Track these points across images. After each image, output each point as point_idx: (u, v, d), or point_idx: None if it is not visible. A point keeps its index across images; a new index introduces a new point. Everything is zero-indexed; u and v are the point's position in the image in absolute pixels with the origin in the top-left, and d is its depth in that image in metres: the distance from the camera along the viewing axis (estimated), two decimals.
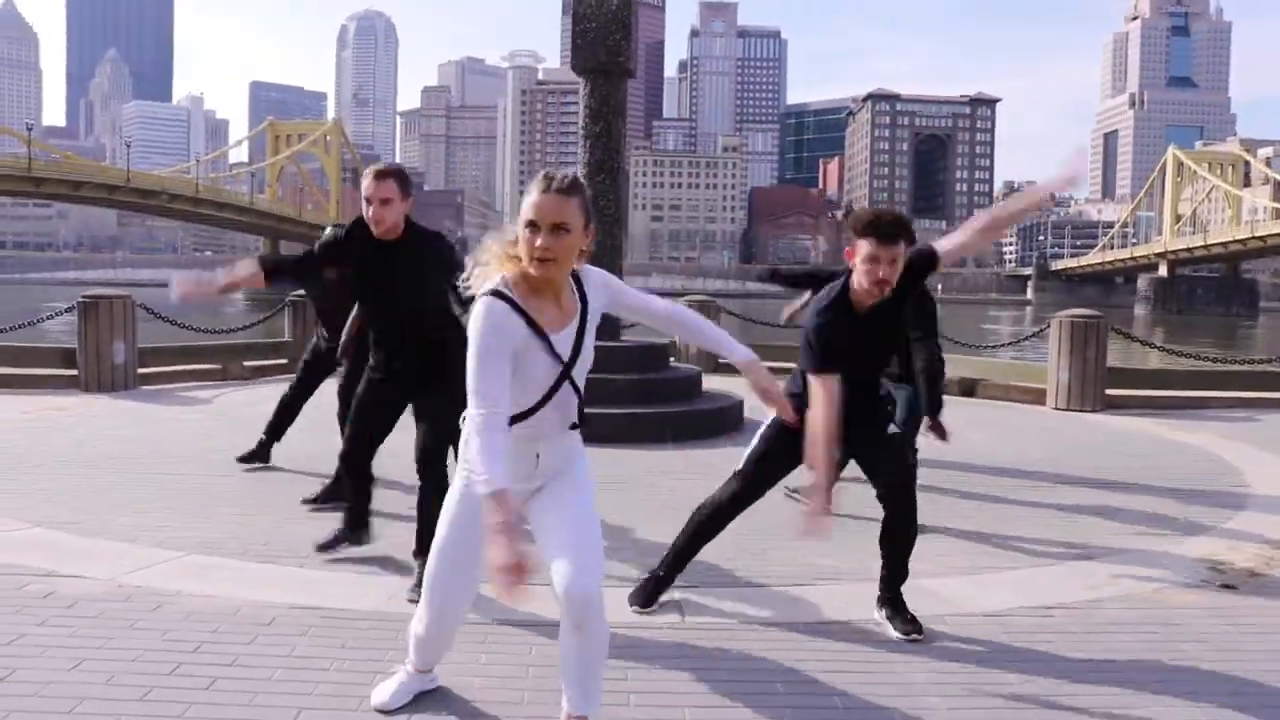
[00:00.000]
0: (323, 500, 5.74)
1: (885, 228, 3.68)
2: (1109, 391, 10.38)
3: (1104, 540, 5.31)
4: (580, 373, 2.83)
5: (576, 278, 2.83)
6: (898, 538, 3.97)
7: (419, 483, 4.36)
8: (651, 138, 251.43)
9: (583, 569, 2.67)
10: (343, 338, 5.85)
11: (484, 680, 3.37)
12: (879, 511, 3.98)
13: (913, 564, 4.04)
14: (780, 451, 4.02)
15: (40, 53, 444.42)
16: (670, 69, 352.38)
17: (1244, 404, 10.60)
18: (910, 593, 4.02)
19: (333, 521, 4.86)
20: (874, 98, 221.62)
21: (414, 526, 4.37)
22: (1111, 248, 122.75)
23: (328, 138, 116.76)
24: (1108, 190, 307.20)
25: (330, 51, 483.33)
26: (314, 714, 3.10)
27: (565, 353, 2.76)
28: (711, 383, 9.66)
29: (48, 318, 12.37)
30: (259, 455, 6.82)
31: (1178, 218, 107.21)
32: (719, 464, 7.16)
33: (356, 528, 4.75)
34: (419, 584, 4.15)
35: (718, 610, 4.15)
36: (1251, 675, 3.57)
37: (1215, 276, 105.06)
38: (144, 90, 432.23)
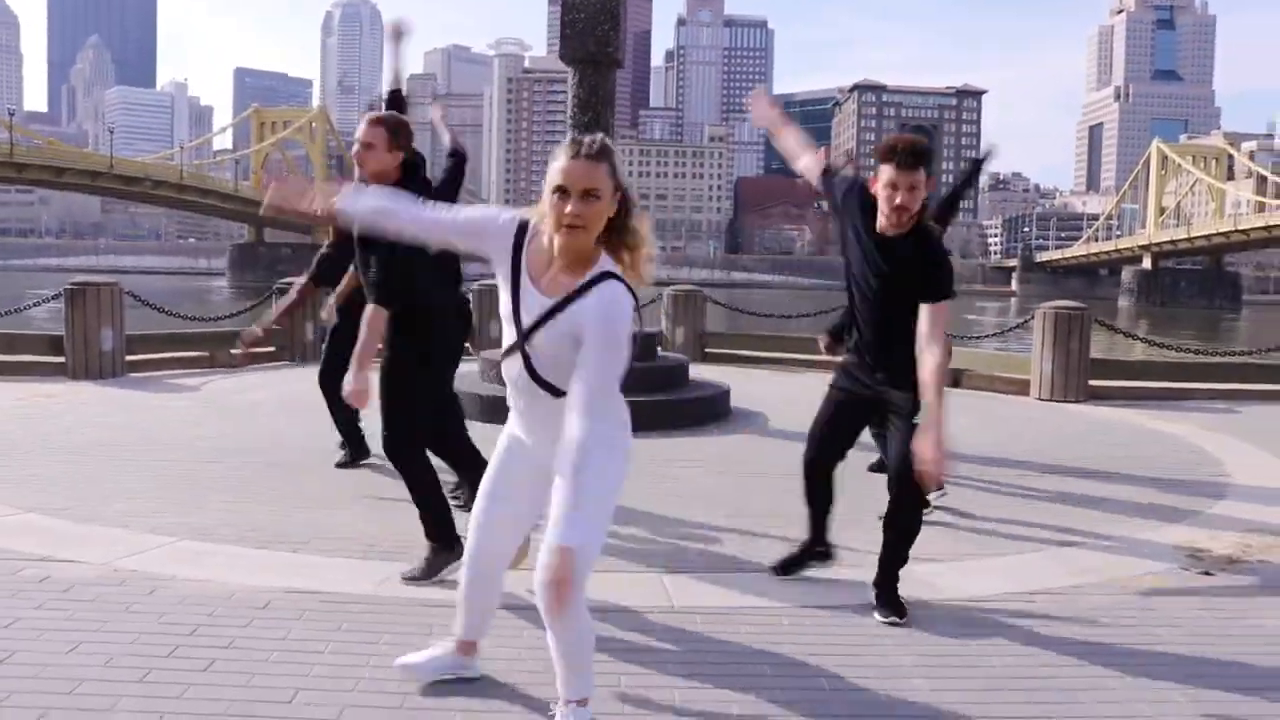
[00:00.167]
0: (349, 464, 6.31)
1: (904, 154, 3.70)
2: (1092, 382, 10.48)
3: (1086, 528, 5.40)
4: (540, 359, 2.70)
5: (599, 279, 2.61)
6: (897, 523, 4.04)
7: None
8: (638, 127, 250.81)
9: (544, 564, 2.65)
10: (332, 299, 5.96)
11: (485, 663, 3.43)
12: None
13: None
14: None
15: (21, 38, 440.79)
16: (657, 58, 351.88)
17: (1225, 395, 10.72)
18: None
19: (342, 503, 4.89)
20: (860, 88, 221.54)
21: (406, 510, 4.41)
22: (1096, 240, 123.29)
23: (313, 125, 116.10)
24: (1093, 183, 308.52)
25: (315, 38, 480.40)
26: (311, 694, 3.15)
27: (527, 315, 2.68)
28: (699, 372, 9.72)
29: (33, 305, 12.33)
30: (357, 454, 6.49)
31: (1162, 211, 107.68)
32: (708, 452, 7.26)
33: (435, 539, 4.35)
34: (428, 570, 4.20)
35: (707, 593, 4.21)
36: (1226, 658, 3.66)
37: (1198, 269, 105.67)
38: (127, 76, 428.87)
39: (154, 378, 10.44)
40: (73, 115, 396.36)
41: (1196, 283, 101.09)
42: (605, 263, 2.65)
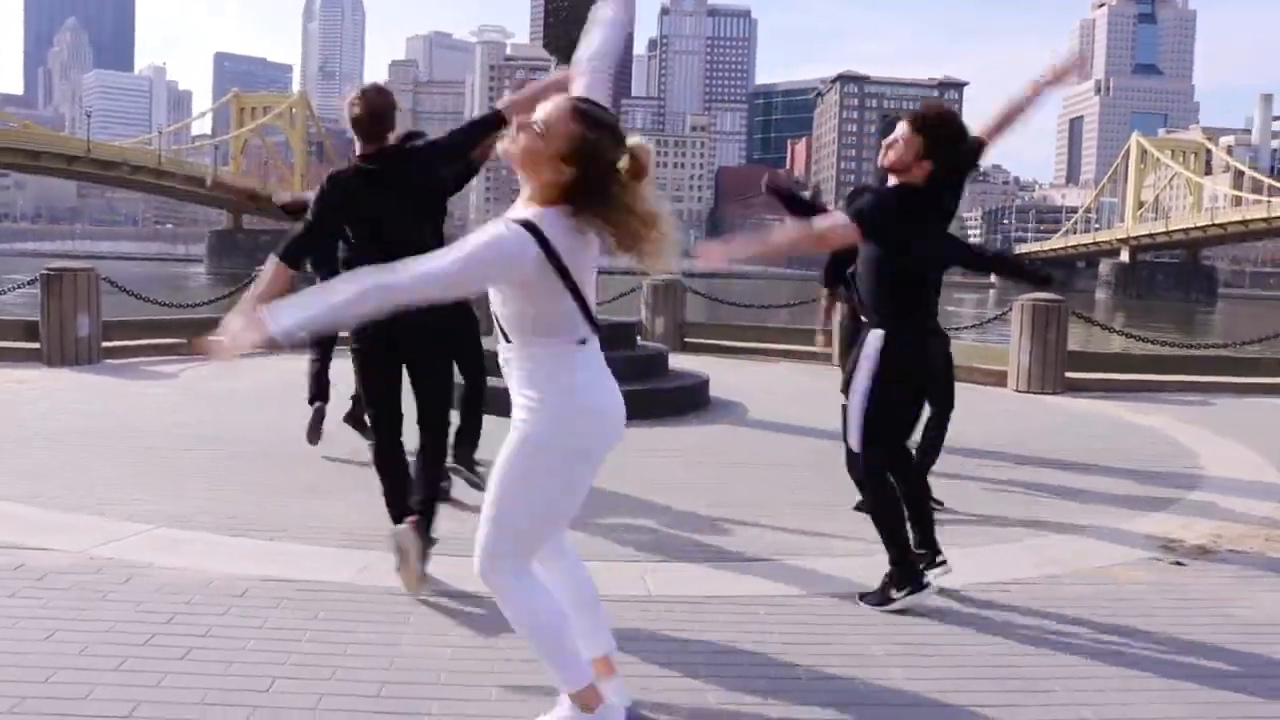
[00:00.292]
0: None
1: (891, 119, 3.98)
2: (1069, 374, 10.55)
3: (1061, 518, 5.45)
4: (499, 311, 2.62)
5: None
6: (865, 508, 4.06)
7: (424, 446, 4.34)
8: (620, 116, 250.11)
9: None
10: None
11: (454, 651, 3.44)
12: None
13: (874, 541, 4.12)
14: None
15: None
16: (640, 47, 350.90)
17: (1200, 388, 10.80)
18: (875, 569, 4.11)
19: (348, 486, 4.87)
20: (843, 79, 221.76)
21: (379, 498, 4.40)
22: (1075, 233, 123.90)
23: (293, 111, 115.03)
24: (1072, 176, 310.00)
25: (296, 23, 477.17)
26: (288, 683, 3.15)
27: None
28: (678, 361, 9.73)
29: (8, 290, 12.22)
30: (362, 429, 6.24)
31: (1140, 204, 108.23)
32: (687, 442, 7.28)
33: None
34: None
35: (684, 583, 4.23)
36: (1198, 647, 3.71)
37: (1175, 262, 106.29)
38: (104, 60, 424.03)
39: (131, 364, 10.37)
40: (49, 98, 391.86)
41: (1173, 276, 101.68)
42: (537, 211, 2.49)
